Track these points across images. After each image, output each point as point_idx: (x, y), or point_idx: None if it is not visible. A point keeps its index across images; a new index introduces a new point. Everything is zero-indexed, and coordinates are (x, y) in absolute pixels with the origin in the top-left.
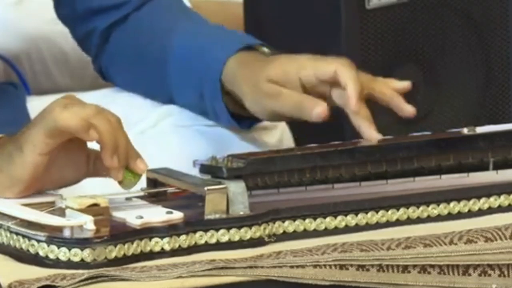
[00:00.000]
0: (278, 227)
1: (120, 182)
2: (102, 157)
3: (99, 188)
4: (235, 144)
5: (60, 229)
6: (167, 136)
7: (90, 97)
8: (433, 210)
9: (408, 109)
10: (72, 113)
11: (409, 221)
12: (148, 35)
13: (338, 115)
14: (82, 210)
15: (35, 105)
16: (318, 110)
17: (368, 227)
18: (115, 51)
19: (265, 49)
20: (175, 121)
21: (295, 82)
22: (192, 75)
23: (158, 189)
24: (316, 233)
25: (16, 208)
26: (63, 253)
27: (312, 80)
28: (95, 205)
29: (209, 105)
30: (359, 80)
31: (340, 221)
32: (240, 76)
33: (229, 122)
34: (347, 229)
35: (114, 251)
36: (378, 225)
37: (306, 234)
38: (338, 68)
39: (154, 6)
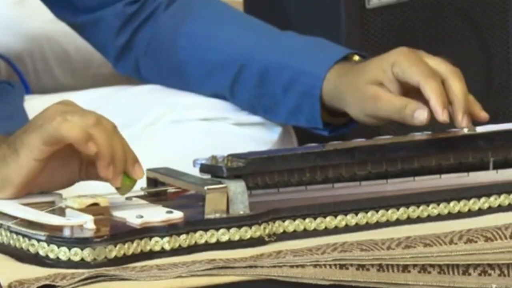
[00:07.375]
0: (278, 226)
1: (117, 188)
2: (97, 168)
3: (99, 188)
4: (236, 140)
5: (60, 228)
6: (166, 133)
7: (91, 95)
8: (433, 209)
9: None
10: (73, 124)
11: (409, 221)
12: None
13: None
14: (82, 210)
15: (36, 103)
16: (420, 117)
17: (368, 226)
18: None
19: (357, 57)
20: (175, 117)
21: (392, 78)
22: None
23: (158, 189)
24: (316, 233)
25: (16, 207)
26: (63, 253)
27: (401, 78)
28: (95, 204)
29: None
30: (441, 91)
31: (340, 220)
32: (342, 86)
33: (313, 127)
34: (347, 229)
35: (114, 251)
36: (378, 225)
37: (306, 233)
38: (421, 81)
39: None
